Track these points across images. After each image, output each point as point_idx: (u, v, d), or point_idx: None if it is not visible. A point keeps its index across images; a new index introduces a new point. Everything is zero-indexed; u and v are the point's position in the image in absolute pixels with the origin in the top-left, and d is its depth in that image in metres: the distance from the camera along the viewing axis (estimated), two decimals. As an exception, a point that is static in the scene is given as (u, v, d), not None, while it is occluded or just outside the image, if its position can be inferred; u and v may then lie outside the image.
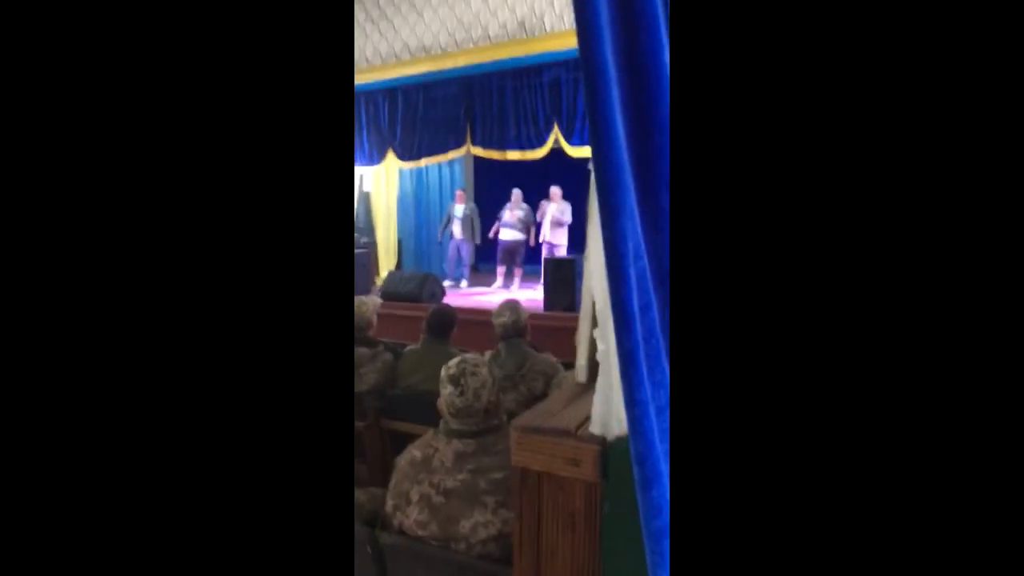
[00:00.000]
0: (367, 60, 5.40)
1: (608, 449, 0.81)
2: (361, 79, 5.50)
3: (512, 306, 2.28)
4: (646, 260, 0.64)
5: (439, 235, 6.25)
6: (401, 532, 1.24)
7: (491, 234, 5.86)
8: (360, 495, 1.53)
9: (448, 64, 4.98)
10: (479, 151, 5.46)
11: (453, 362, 1.28)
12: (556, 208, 5.43)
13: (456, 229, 5.93)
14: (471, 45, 4.82)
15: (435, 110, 5.60)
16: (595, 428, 0.83)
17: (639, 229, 0.63)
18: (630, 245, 0.63)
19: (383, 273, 6.14)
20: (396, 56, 5.22)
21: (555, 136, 5.00)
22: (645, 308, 0.64)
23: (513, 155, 5.29)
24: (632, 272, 0.63)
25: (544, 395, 1.96)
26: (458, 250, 6.05)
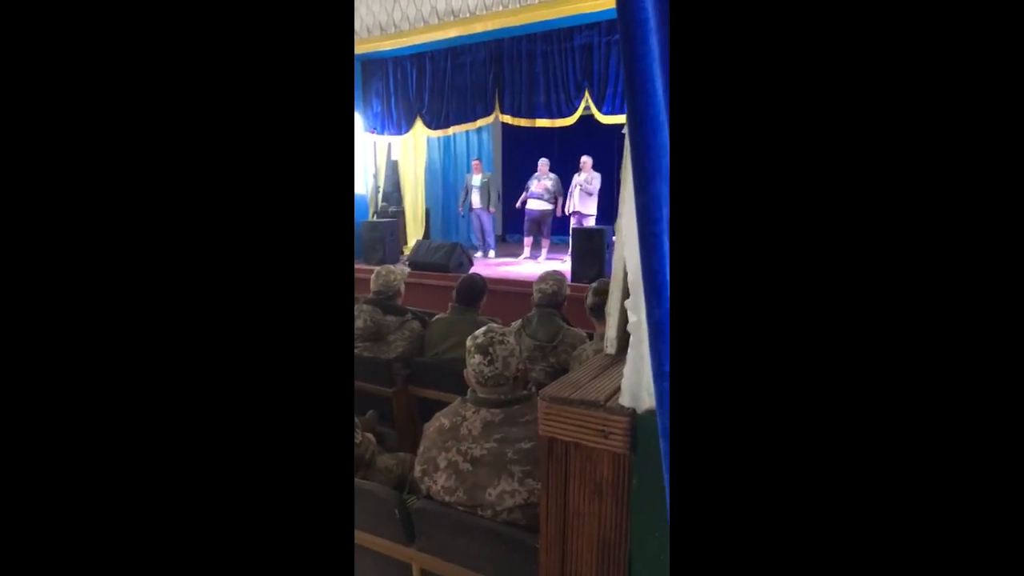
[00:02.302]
0: (395, 25, 5.32)
1: (638, 421, 0.80)
2: (389, 44, 5.44)
3: (557, 278, 2.28)
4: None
5: (460, 207, 6.24)
6: (428, 497, 1.26)
7: (518, 204, 5.81)
8: (389, 460, 1.56)
9: (477, 28, 4.86)
10: (508, 119, 5.38)
11: (480, 331, 1.28)
12: (585, 178, 5.34)
13: (475, 199, 5.92)
14: (500, 8, 4.69)
15: (463, 77, 5.52)
16: (625, 400, 0.81)
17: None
18: (665, 211, 0.60)
19: (411, 242, 6.16)
20: (424, 20, 5.13)
21: (586, 103, 4.88)
22: (679, 278, 0.62)
23: (542, 123, 5.20)
24: (666, 239, 0.60)
25: (572, 367, 1.95)
26: (480, 219, 6.03)
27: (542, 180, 5.62)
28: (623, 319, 0.98)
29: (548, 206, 5.62)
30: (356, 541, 1.33)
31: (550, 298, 2.22)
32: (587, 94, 4.84)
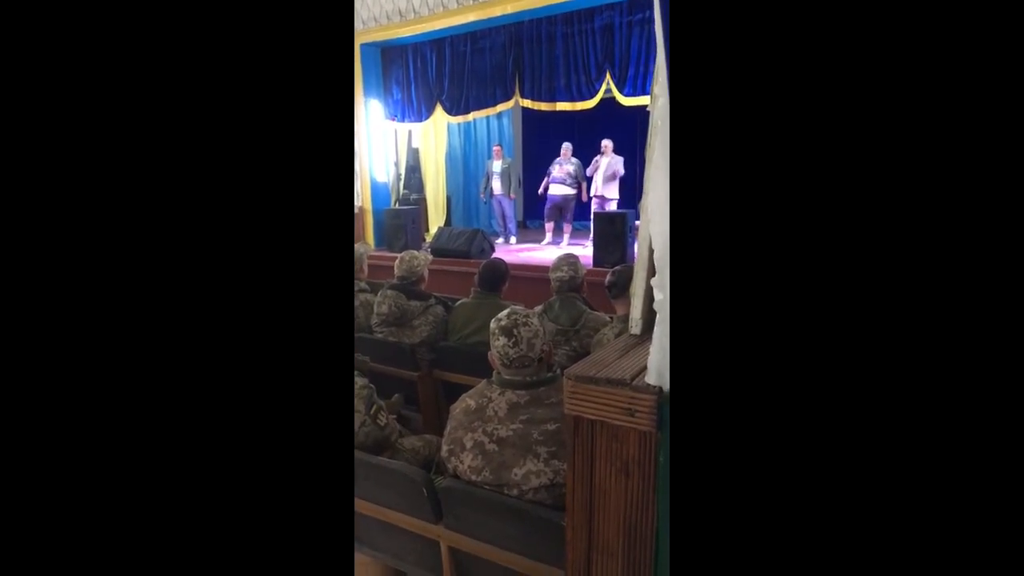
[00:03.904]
0: (414, 11, 5.30)
1: (664, 400, 0.80)
2: (408, 31, 5.42)
3: (571, 261, 2.26)
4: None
5: (481, 193, 6.23)
6: (455, 476, 1.28)
7: (540, 190, 5.78)
8: (416, 441, 1.59)
9: (496, 11, 4.81)
10: (528, 103, 5.33)
11: (503, 314, 1.28)
12: (608, 161, 5.28)
13: (496, 185, 5.91)
14: (520, -10, 4.64)
15: (483, 61, 5.48)
16: (651, 378, 0.81)
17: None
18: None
19: (432, 229, 6.18)
20: (443, 5, 5.10)
21: (607, 85, 4.81)
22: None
23: (563, 106, 5.13)
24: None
25: (595, 349, 1.95)
26: (501, 205, 6.02)
27: (564, 165, 5.57)
28: (648, 299, 0.97)
29: (571, 191, 5.57)
30: (385, 519, 1.35)
31: (568, 283, 2.21)
32: (608, 76, 4.77)
